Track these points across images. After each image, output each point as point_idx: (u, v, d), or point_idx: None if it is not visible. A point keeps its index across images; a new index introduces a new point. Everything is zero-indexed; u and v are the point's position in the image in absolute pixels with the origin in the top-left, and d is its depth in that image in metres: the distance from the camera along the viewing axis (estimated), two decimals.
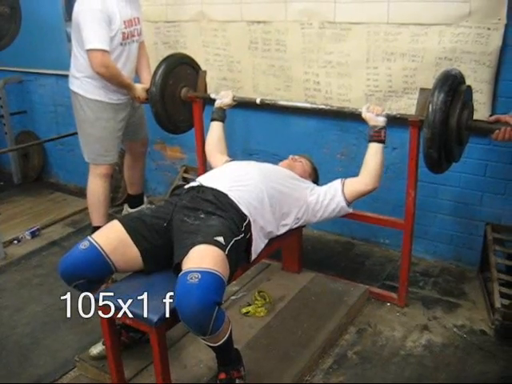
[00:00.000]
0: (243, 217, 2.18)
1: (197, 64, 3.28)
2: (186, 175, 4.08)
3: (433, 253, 3.28)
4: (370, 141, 2.49)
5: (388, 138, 3.15)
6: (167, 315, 1.91)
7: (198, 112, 3.20)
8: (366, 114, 2.50)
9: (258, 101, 2.89)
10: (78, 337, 2.64)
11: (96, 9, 2.91)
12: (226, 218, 2.11)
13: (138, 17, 3.23)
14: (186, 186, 2.39)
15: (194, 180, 2.59)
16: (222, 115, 2.95)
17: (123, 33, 3.07)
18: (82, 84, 3.15)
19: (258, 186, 2.32)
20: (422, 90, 2.44)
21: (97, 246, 2.05)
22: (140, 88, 3.22)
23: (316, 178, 2.82)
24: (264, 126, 3.66)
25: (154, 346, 1.94)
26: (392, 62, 2.97)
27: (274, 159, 3.31)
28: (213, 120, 2.95)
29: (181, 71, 3.13)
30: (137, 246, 2.10)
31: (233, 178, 2.35)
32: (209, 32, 3.60)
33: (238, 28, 3.45)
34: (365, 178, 2.49)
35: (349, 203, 2.51)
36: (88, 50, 2.95)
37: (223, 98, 2.93)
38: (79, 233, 3.72)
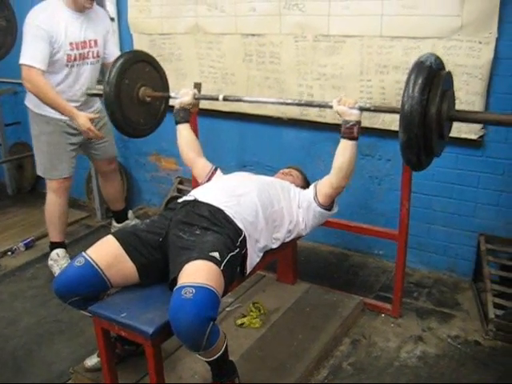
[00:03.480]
0: (239, 232, 2.16)
1: (155, 61, 2.95)
2: (180, 187, 4.09)
3: (427, 263, 3.30)
4: (342, 137, 2.27)
5: (381, 149, 3.21)
6: (163, 327, 1.91)
7: (192, 123, 3.17)
8: (337, 108, 2.25)
9: (220, 98, 2.64)
10: (73, 349, 2.63)
11: (35, 25, 2.88)
12: (221, 234, 2.10)
13: (96, 39, 3.15)
14: (180, 200, 2.36)
15: (188, 192, 2.59)
16: (185, 116, 2.71)
17: (68, 55, 3.02)
18: (31, 98, 3.12)
19: (253, 200, 2.31)
20: None
21: (92, 262, 2.04)
22: (83, 116, 3.03)
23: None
24: (258, 137, 3.68)
25: (149, 358, 1.94)
26: (385, 75, 3.00)
27: (268, 171, 3.34)
28: (178, 123, 2.72)
29: (138, 69, 2.79)
30: (133, 262, 2.09)
31: (228, 192, 2.33)
32: (204, 44, 3.63)
33: (233, 40, 3.48)
34: (331, 179, 2.33)
35: (326, 207, 2.41)
36: (19, 64, 2.92)
37: (183, 97, 2.69)
38: (73, 244, 3.70)
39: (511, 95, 2.76)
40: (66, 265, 3.13)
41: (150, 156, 4.27)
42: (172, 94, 2.82)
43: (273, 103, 2.63)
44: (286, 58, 3.31)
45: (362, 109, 2.23)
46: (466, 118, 1.98)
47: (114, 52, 3.31)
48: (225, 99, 2.64)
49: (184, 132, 2.72)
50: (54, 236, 3.35)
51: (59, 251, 3.35)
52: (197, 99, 2.74)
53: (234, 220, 2.19)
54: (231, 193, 2.33)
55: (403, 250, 2.70)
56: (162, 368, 2.01)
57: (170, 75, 3.83)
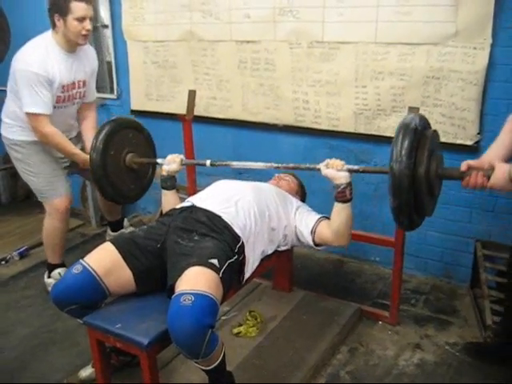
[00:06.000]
0: (237, 238, 2.17)
1: (139, 125, 2.90)
2: None
3: (424, 270, 3.29)
4: (335, 200, 2.28)
5: (377, 155, 3.20)
6: (158, 338, 1.89)
7: (187, 131, 3.20)
8: (326, 171, 2.25)
9: (207, 163, 2.57)
10: (67, 359, 2.60)
11: (32, 71, 2.80)
12: (219, 240, 2.11)
13: (85, 80, 3.10)
14: (178, 206, 2.38)
15: (184, 199, 2.58)
16: (172, 184, 2.62)
17: (58, 96, 2.97)
18: (10, 127, 3.05)
19: (251, 204, 2.33)
20: (411, 108, 2.46)
21: (90, 269, 2.03)
22: (84, 156, 3.01)
23: (303, 194, 2.83)
24: (253, 144, 3.66)
25: (144, 370, 1.92)
26: (380, 81, 3.00)
27: (264, 177, 3.31)
28: (164, 189, 2.64)
29: (123, 137, 2.73)
30: (130, 268, 2.09)
31: (225, 198, 2.35)
32: (198, 51, 3.62)
33: (227, 47, 3.47)
34: (331, 236, 2.35)
35: (317, 245, 2.43)
36: (25, 113, 2.88)
37: (170, 164, 2.60)
38: (68, 253, 3.65)
39: (506, 100, 2.76)
40: None
41: None
42: (159, 160, 2.74)
43: (261, 168, 2.48)
44: (280, 64, 3.31)
45: (350, 171, 2.24)
46: (453, 175, 1.97)
47: (92, 93, 3.25)
48: (212, 164, 2.57)
49: (169, 199, 2.63)
50: (54, 259, 3.25)
51: (61, 270, 3.23)
52: (184, 165, 2.68)
53: (232, 226, 2.20)
54: (228, 199, 2.34)
55: (400, 258, 2.68)
56: (158, 379, 1.99)
57: (165, 82, 3.86)
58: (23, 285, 3.38)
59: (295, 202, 2.58)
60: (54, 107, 2.98)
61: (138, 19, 3.81)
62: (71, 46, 2.95)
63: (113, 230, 3.76)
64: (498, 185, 1.85)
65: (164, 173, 2.62)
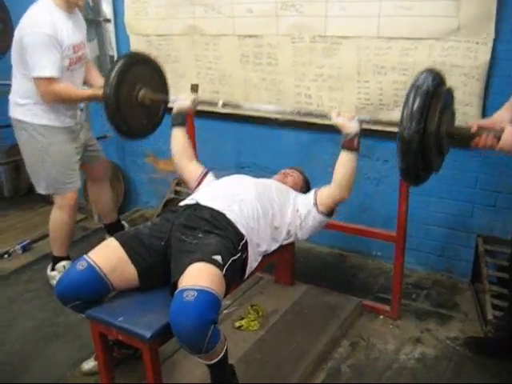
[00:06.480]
0: (241, 236, 2.17)
1: (151, 58, 2.93)
2: (178, 188, 4.07)
3: (425, 264, 3.29)
4: (342, 148, 2.30)
5: (379, 150, 3.20)
6: (160, 331, 1.90)
7: (190, 125, 3.20)
8: (337, 120, 2.29)
9: (219, 104, 2.66)
10: (70, 352, 2.61)
11: (43, 33, 2.74)
12: (223, 237, 2.10)
13: (83, 41, 3.08)
14: (182, 203, 2.37)
15: (186, 193, 2.58)
16: (183, 120, 2.67)
17: (70, 58, 2.92)
18: (29, 110, 2.97)
19: (254, 203, 2.31)
20: None
21: (95, 266, 2.03)
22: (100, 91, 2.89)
23: (308, 190, 2.82)
24: (256, 138, 3.67)
25: (146, 362, 1.93)
26: (383, 76, 3.00)
27: (266, 172, 3.32)
28: (174, 126, 2.67)
29: (135, 71, 2.76)
30: (134, 266, 2.09)
31: (229, 196, 2.33)
32: (200, 46, 3.62)
33: (230, 42, 3.47)
34: (334, 190, 2.34)
35: (326, 214, 2.40)
36: (34, 78, 2.81)
37: (183, 101, 2.67)
38: (71, 247, 3.68)
39: (508, 96, 2.74)
40: None
41: (147, 158, 4.26)
42: (171, 98, 2.79)
43: (272, 112, 2.58)
44: (283, 59, 3.31)
45: (361, 121, 2.27)
46: (463, 134, 1.96)
47: (89, 53, 3.24)
48: (224, 105, 2.63)
49: (179, 135, 2.66)
50: (60, 252, 3.24)
51: (66, 263, 3.22)
52: (196, 104, 2.70)
53: (236, 224, 2.19)
54: (232, 197, 2.32)
55: (401, 252, 2.69)
56: (160, 372, 2.00)
57: (167, 76, 3.84)
58: (26, 278, 3.40)
59: (296, 196, 2.56)
60: (67, 70, 2.93)
61: (141, 13, 3.80)
62: (70, 7, 2.92)
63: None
64: (506, 147, 1.87)
65: (175, 110, 2.66)
